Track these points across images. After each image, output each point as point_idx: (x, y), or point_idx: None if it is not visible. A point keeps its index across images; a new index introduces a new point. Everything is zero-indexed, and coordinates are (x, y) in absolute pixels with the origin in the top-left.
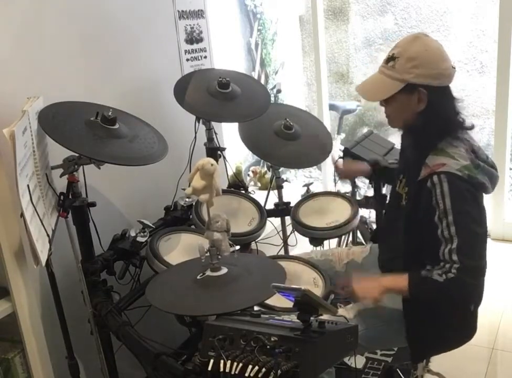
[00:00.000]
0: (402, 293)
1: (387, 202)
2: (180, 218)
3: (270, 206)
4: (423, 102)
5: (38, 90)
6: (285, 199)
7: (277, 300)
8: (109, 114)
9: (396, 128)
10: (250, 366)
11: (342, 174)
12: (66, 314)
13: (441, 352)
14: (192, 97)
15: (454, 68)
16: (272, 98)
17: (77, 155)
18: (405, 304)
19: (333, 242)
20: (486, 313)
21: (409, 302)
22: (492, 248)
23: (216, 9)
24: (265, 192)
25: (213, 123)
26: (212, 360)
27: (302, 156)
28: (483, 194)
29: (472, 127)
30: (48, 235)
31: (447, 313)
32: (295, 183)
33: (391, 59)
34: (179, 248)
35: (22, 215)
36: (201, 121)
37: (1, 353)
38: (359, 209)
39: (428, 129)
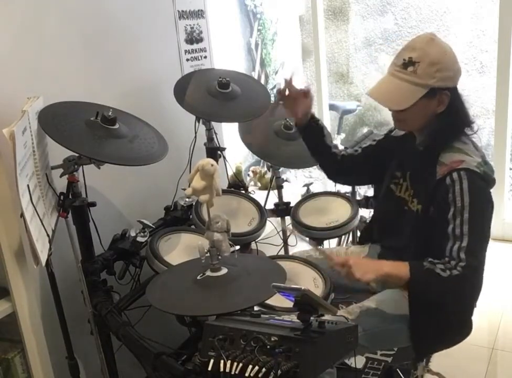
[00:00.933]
0: (401, 280)
1: (384, 207)
2: (180, 218)
3: (270, 206)
4: (443, 104)
5: (38, 90)
6: (285, 199)
7: (277, 300)
8: (109, 114)
9: (410, 131)
10: (250, 366)
11: (283, 97)
12: (66, 314)
13: (443, 348)
14: (192, 97)
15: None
16: (272, 99)
17: (77, 155)
18: (410, 304)
19: (333, 242)
20: (486, 313)
21: (415, 303)
22: (492, 248)
23: (216, 9)
24: (265, 192)
25: (213, 123)
26: (212, 360)
27: (302, 156)
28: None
29: (473, 122)
30: (47, 235)
31: (453, 311)
32: (295, 183)
33: (410, 63)
34: (179, 248)
35: (22, 215)
36: (201, 120)
37: (1, 353)
38: (359, 209)
39: (448, 129)
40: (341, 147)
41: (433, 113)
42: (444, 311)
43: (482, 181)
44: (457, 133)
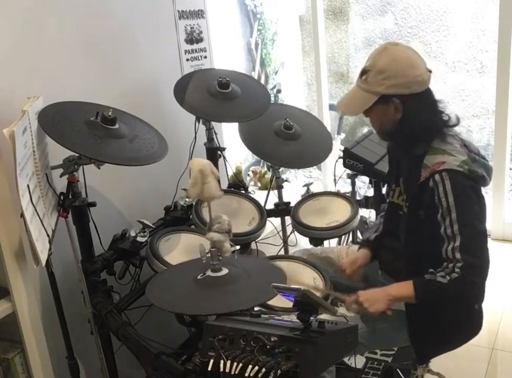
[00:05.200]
0: (409, 300)
1: (385, 212)
2: (180, 218)
3: (270, 206)
4: (399, 111)
5: (38, 90)
6: (285, 199)
7: (277, 300)
8: (109, 114)
9: (381, 135)
10: (250, 366)
11: (350, 272)
12: (66, 314)
13: (446, 351)
14: (192, 97)
15: (430, 71)
16: (272, 98)
17: (77, 155)
18: (407, 306)
19: (333, 242)
20: (486, 313)
21: (412, 305)
22: (492, 248)
23: (216, 9)
24: (265, 192)
25: (213, 123)
26: (212, 360)
27: (302, 156)
28: (482, 187)
29: (457, 123)
30: (48, 235)
31: (451, 313)
32: (295, 183)
33: (364, 72)
34: (179, 248)
35: (22, 215)
36: (201, 121)
37: (1, 353)
38: (359, 209)
39: (407, 135)
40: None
41: (392, 119)
42: (444, 314)
43: (466, 179)
44: (423, 137)
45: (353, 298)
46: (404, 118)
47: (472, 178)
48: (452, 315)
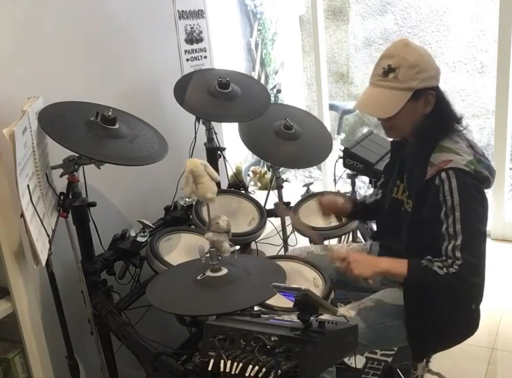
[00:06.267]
0: (397, 277)
1: (386, 207)
2: (180, 218)
3: (270, 206)
4: (430, 104)
5: (38, 90)
6: (285, 199)
7: (277, 300)
8: (109, 114)
9: (401, 137)
10: (250, 366)
11: (324, 210)
12: (66, 314)
13: (442, 350)
14: (192, 97)
15: None
16: (272, 98)
17: (77, 155)
18: (405, 302)
19: (334, 242)
20: (486, 313)
21: (410, 300)
22: (492, 248)
23: (216, 9)
24: (265, 192)
25: (213, 123)
26: (212, 360)
27: (302, 156)
28: (486, 189)
29: (462, 118)
30: (48, 235)
31: (448, 311)
32: (295, 183)
33: (390, 70)
34: (179, 248)
35: (22, 215)
36: (201, 121)
37: (1, 353)
38: None
39: (437, 127)
40: (368, 192)
41: (421, 115)
42: (441, 312)
43: (472, 179)
44: (446, 131)
45: (343, 255)
46: (435, 111)
47: (477, 178)
48: (449, 313)
